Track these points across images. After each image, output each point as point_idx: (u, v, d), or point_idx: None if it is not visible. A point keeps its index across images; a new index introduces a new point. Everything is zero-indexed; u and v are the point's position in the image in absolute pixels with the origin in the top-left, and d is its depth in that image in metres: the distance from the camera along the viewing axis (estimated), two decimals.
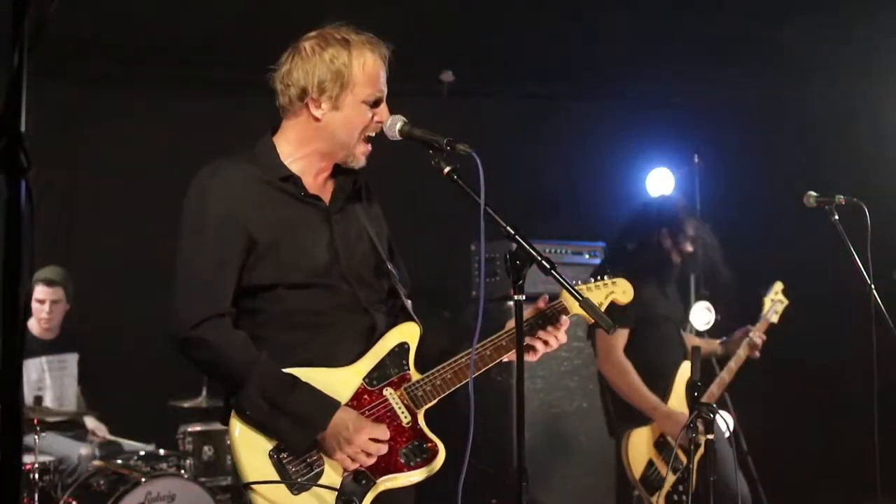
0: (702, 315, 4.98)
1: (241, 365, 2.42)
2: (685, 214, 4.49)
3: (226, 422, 2.48)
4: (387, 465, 2.47)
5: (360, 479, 2.45)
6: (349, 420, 2.43)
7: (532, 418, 5.29)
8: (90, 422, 5.46)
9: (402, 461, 2.49)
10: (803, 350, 5.94)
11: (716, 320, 5.06)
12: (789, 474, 5.84)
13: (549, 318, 2.66)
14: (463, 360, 2.56)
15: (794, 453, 6.03)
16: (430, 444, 2.52)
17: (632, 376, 4.22)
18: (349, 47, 2.52)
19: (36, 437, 4.71)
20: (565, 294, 2.65)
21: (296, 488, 2.40)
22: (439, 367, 2.56)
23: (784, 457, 5.89)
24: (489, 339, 2.59)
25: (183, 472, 4.92)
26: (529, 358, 2.62)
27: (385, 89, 2.57)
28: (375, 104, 2.55)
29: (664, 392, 4.24)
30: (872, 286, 3.92)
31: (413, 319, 2.63)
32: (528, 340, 2.61)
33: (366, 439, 2.43)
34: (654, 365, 4.26)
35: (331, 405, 2.44)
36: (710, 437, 3.49)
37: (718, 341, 4.57)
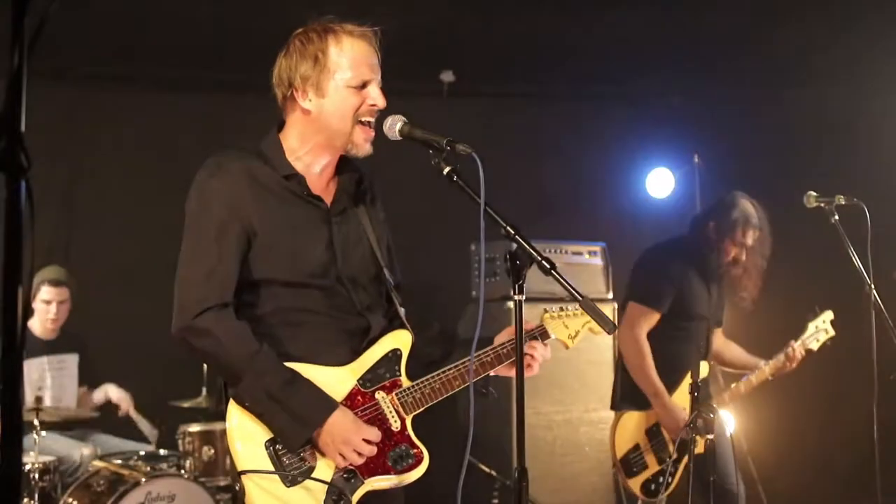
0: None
1: (242, 356, 2.44)
2: (745, 219, 4.30)
3: (225, 412, 2.50)
4: (375, 466, 2.51)
5: (349, 478, 2.48)
6: (347, 420, 2.46)
7: (532, 418, 5.29)
8: (113, 392, 5.47)
9: (390, 464, 2.53)
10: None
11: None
12: (789, 474, 5.85)
13: (531, 338, 2.72)
14: (451, 371, 2.60)
15: (794, 454, 6.04)
16: (416, 451, 2.56)
17: (644, 356, 4.20)
18: (327, 35, 2.54)
19: (36, 436, 4.70)
20: (546, 318, 2.78)
21: (289, 480, 2.42)
22: (429, 376, 2.60)
23: (784, 457, 5.90)
24: (475, 354, 2.59)
25: (183, 472, 4.92)
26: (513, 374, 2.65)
27: (373, 73, 2.56)
28: (363, 87, 2.54)
29: (674, 385, 4.23)
30: (872, 286, 3.92)
31: (406, 327, 2.66)
32: (508, 365, 2.67)
33: (360, 440, 2.46)
34: (674, 358, 4.24)
35: (329, 403, 2.47)
36: (711, 436, 3.50)
37: (757, 360, 4.44)
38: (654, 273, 4.35)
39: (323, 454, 2.46)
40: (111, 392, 5.50)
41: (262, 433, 2.45)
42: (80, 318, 5.63)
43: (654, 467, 4.19)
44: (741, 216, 4.29)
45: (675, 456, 4.09)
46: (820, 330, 4.42)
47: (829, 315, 4.45)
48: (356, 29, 2.57)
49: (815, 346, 4.41)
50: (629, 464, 4.22)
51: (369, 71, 2.55)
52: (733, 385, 4.31)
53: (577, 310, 2.83)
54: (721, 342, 4.59)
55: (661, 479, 4.14)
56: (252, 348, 2.45)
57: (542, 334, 2.75)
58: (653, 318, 4.23)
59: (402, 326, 2.66)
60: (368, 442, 2.47)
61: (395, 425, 2.55)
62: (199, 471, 4.94)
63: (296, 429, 2.43)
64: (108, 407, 5.55)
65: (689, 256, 4.32)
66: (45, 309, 5.43)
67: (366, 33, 2.57)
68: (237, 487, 2.47)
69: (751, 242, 4.29)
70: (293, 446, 2.44)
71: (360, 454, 2.46)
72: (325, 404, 2.46)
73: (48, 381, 5.36)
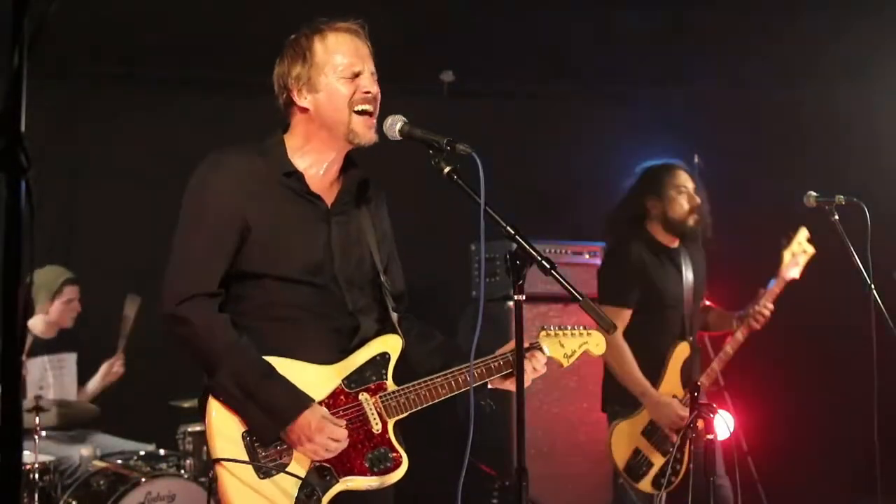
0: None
1: (219, 348, 2.48)
2: (667, 169, 4.37)
3: (204, 402, 2.52)
4: (351, 466, 2.53)
5: (324, 475, 2.50)
6: (315, 418, 2.47)
7: (532, 418, 5.28)
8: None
9: (367, 465, 2.55)
10: (803, 350, 5.94)
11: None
12: (789, 474, 5.84)
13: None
14: (439, 378, 2.62)
15: (794, 453, 6.03)
16: (395, 455, 2.58)
17: (626, 358, 4.18)
18: (313, 35, 2.61)
19: (36, 436, 4.70)
20: (542, 336, 2.79)
21: (262, 472, 2.46)
22: (416, 382, 2.62)
23: (784, 457, 5.89)
24: (466, 366, 2.58)
25: (183, 472, 4.91)
26: (509, 386, 2.67)
27: (362, 62, 2.60)
28: (354, 77, 2.58)
29: (658, 374, 4.21)
30: (872, 286, 3.92)
31: (397, 332, 2.68)
32: (502, 377, 2.69)
33: (326, 438, 2.47)
34: (653, 348, 4.22)
35: (302, 401, 2.49)
36: (711, 437, 3.50)
37: (736, 315, 4.34)
38: (614, 271, 4.35)
39: (294, 449, 2.49)
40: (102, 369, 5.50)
41: (239, 425, 2.48)
42: (80, 318, 5.63)
43: (660, 462, 4.17)
44: (662, 169, 4.37)
45: (678, 443, 4.07)
46: (798, 254, 4.27)
47: (804, 233, 4.29)
48: (343, 25, 2.62)
49: (796, 273, 4.26)
50: (634, 470, 4.20)
51: (358, 61, 2.59)
52: (708, 369, 4.22)
53: (574, 329, 2.85)
54: (706, 310, 4.56)
55: (668, 471, 4.12)
56: (229, 341, 2.48)
57: (537, 349, 2.75)
58: (625, 316, 4.20)
59: (394, 331, 2.68)
60: (336, 440, 2.49)
61: (376, 428, 2.57)
62: (199, 471, 4.94)
63: (268, 424, 2.46)
64: (108, 407, 5.54)
65: (647, 243, 4.32)
66: (71, 308, 5.50)
67: (351, 27, 2.63)
68: (210, 475, 2.50)
69: (690, 184, 4.33)
70: (265, 441, 2.47)
71: (327, 450, 2.48)
72: (299, 401, 2.48)
73: (49, 379, 5.36)
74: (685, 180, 4.35)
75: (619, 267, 4.32)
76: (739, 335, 4.22)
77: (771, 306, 4.22)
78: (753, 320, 4.20)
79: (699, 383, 3.87)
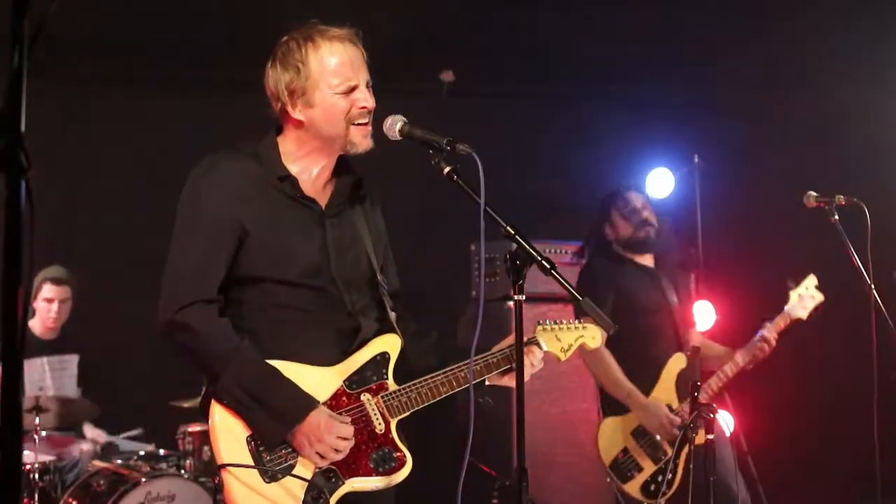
0: (701, 314, 4.93)
1: (221, 352, 2.47)
2: (615, 194, 4.47)
3: (206, 406, 2.51)
4: (357, 467, 2.53)
5: (329, 477, 2.50)
6: (321, 419, 2.46)
7: (532, 418, 5.28)
8: (88, 430, 5.44)
9: (371, 466, 2.54)
10: (803, 350, 5.94)
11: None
12: (789, 474, 5.84)
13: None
14: (439, 377, 2.61)
15: (794, 453, 6.03)
16: (398, 454, 2.57)
17: (607, 365, 4.18)
18: (306, 44, 2.55)
19: (36, 436, 4.70)
20: (539, 331, 2.79)
21: (268, 476, 2.44)
22: (416, 380, 2.62)
23: (784, 457, 5.89)
24: (467, 362, 2.56)
25: (183, 472, 4.91)
26: (507, 382, 2.68)
27: (358, 75, 2.57)
28: (350, 91, 2.55)
29: (651, 383, 4.21)
30: (872, 286, 3.92)
31: (395, 332, 2.67)
32: (500, 373, 2.69)
33: (335, 438, 2.46)
34: (641, 356, 4.21)
35: (308, 402, 2.48)
36: (710, 437, 3.49)
37: (725, 349, 4.35)
38: (588, 283, 4.37)
39: (299, 453, 2.47)
40: (87, 431, 5.44)
41: (243, 429, 2.47)
42: (81, 318, 5.63)
43: (650, 468, 4.14)
44: (610, 196, 4.48)
45: (670, 454, 4.05)
46: (805, 297, 4.25)
47: (812, 280, 4.29)
48: (336, 33, 2.57)
49: (803, 314, 4.24)
50: (621, 469, 4.17)
51: (353, 74, 2.56)
52: (705, 385, 4.14)
53: (570, 324, 2.86)
54: (700, 341, 4.54)
55: (660, 479, 4.10)
56: (230, 346, 2.47)
57: (535, 343, 2.76)
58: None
59: (392, 331, 2.67)
60: (345, 439, 2.48)
61: (379, 428, 2.56)
62: (199, 471, 4.94)
63: (274, 427, 2.45)
64: (108, 406, 5.54)
65: (614, 259, 4.41)
66: (47, 307, 5.42)
67: (345, 35, 2.58)
68: (216, 481, 2.49)
69: (640, 204, 4.41)
70: (270, 444, 2.46)
71: (337, 451, 2.47)
72: (305, 403, 2.48)
73: (48, 381, 5.36)
74: (631, 200, 4.43)
75: (590, 280, 4.35)
76: (739, 359, 4.19)
77: (776, 336, 4.20)
78: (759, 349, 4.17)
79: (699, 383, 3.85)
